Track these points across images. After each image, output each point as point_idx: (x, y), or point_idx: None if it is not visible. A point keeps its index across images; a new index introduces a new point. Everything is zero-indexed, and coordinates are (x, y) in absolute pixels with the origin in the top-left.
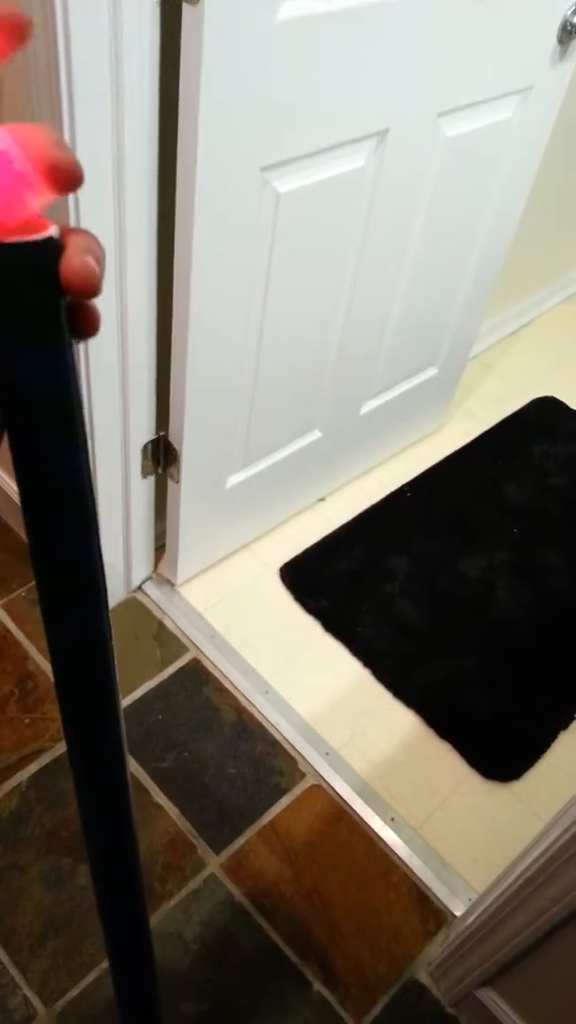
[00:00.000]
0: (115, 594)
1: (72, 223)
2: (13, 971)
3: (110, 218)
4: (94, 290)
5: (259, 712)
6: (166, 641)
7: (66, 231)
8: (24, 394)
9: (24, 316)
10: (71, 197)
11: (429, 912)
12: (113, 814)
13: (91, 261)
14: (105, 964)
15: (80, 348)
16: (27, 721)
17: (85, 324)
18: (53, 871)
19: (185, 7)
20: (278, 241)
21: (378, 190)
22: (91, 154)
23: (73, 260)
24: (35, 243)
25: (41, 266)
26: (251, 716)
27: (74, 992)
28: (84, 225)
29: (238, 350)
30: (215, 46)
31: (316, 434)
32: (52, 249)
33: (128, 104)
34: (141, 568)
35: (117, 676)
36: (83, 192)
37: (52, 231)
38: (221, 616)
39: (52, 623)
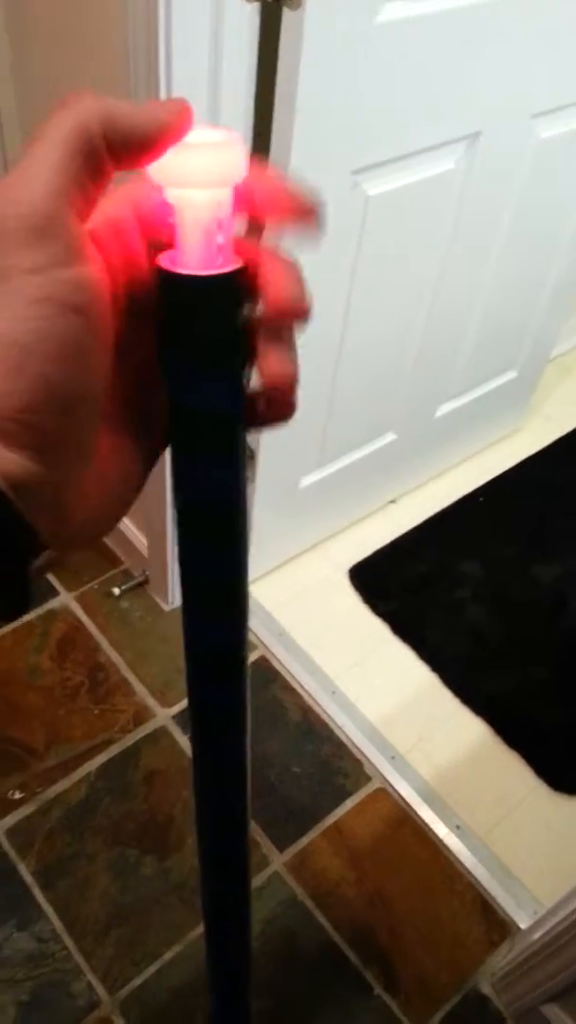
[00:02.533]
0: None
1: None
2: (78, 957)
3: None
4: (294, 316)
5: (325, 712)
6: None
7: (267, 258)
8: (204, 413)
9: (210, 344)
10: None
11: (493, 922)
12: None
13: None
14: (168, 955)
15: None
16: (97, 712)
17: (277, 409)
18: (119, 861)
19: (285, 11)
20: (365, 243)
21: (467, 192)
22: None
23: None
24: (222, 276)
25: (226, 297)
26: (317, 716)
27: (137, 982)
28: None
29: (319, 351)
30: (314, 49)
31: (390, 436)
32: (237, 281)
33: (225, 107)
34: None
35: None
36: None
37: (237, 263)
38: (290, 615)
39: (193, 643)
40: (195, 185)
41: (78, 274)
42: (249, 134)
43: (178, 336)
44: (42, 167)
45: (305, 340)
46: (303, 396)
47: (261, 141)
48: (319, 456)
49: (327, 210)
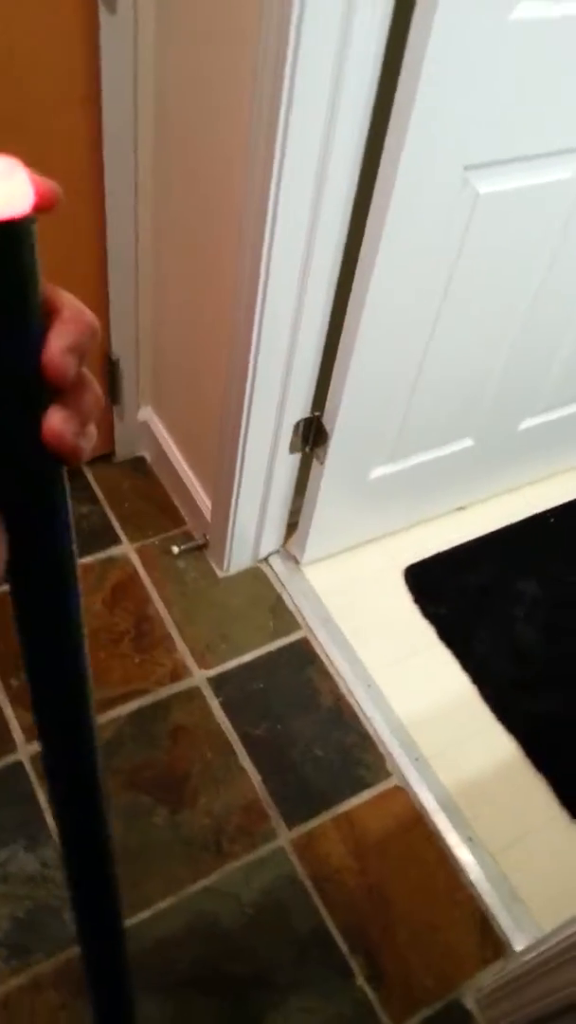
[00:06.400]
0: (241, 561)
1: (271, 203)
2: None
3: (308, 195)
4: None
5: (357, 703)
6: (280, 615)
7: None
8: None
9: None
10: (275, 172)
11: (489, 939)
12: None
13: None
14: (163, 905)
15: (257, 310)
16: (137, 661)
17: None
18: (133, 805)
19: (418, 2)
20: (468, 241)
21: None
22: (300, 133)
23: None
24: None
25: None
26: (348, 705)
27: (131, 922)
28: (282, 199)
29: (406, 347)
30: (442, 41)
31: (468, 442)
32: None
33: (347, 87)
34: (271, 540)
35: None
36: (286, 170)
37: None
38: (338, 603)
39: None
40: None
41: None
42: (366, 122)
43: None
44: None
45: (393, 333)
46: (384, 388)
47: (377, 130)
48: (392, 450)
49: (433, 202)
